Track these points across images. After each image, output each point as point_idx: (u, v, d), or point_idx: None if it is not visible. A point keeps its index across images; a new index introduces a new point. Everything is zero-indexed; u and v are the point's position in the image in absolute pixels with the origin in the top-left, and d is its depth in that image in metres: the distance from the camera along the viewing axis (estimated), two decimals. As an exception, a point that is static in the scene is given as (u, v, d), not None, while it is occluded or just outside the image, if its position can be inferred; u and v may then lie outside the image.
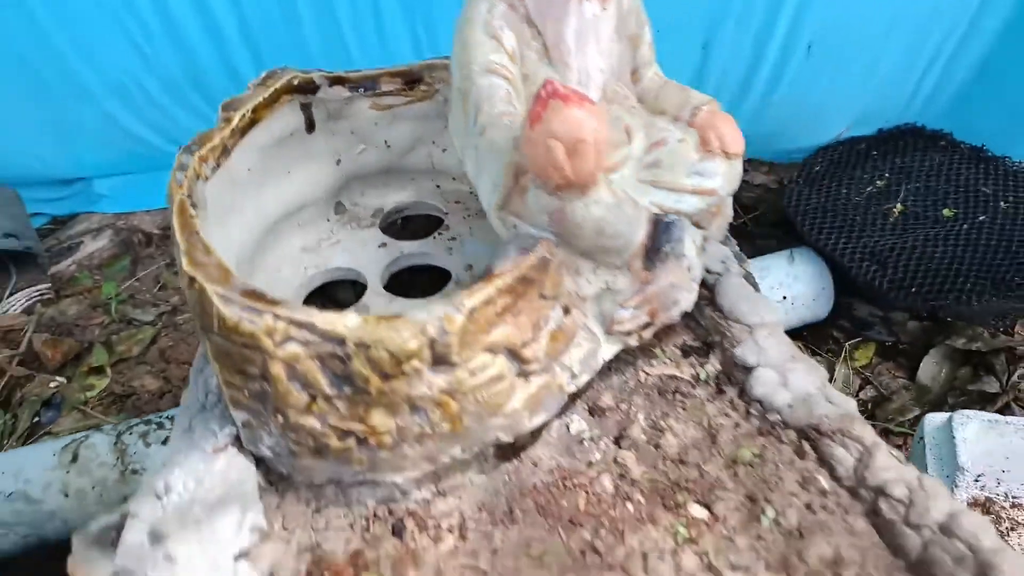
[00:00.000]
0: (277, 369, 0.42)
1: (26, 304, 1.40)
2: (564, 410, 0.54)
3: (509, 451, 0.52)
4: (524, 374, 0.47)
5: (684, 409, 0.53)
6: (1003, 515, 0.98)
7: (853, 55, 1.31)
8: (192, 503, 0.44)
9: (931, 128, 1.41)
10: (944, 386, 1.18)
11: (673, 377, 0.55)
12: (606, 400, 0.54)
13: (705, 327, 0.57)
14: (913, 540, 0.43)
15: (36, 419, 1.23)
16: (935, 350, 1.21)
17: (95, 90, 1.37)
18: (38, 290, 1.41)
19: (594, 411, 0.54)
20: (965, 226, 1.22)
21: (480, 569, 0.46)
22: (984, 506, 1.00)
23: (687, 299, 0.54)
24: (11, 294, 1.40)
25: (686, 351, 0.57)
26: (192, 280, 0.42)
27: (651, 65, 0.56)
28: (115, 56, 1.33)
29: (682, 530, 0.46)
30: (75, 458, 1.01)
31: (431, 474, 0.49)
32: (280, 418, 0.43)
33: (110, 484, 0.99)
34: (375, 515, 0.48)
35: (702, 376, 0.55)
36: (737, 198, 1.58)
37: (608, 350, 0.53)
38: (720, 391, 0.54)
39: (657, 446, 0.51)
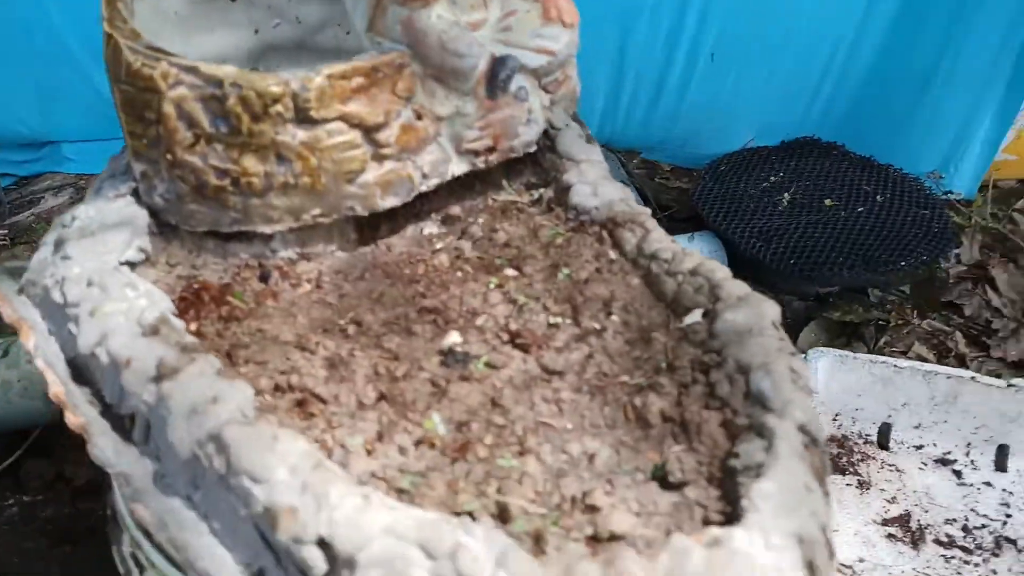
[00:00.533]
0: (168, 108, 0.53)
1: (-19, 247, 1.48)
2: (420, 219, 0.65)
3: (369, 238, 0.63)
4: (378, 157, 0.58)
5: (518, 219, 0.65)
6: (855, 449, 1.08)
7: (753, 65, 1.48)
8: (91, 223, 0.54)
9: (826, 140, 1.58)
10: (821, 352, 1.29)
11: (515, 202, 0.67)
12: (455, 212, 0.66)
13: (546, 168, 0.69)
14: (670, 284, 0.54)
15: (-25, 339, 1.30)
16: (814, 322, 1.33)
17: (79, 55, 1.49)
18: (-6, 235, 1.50)
19: (445, 220, 0.65)
20: (843, 214, 1.37)
21: (328, 302, 0.56)
22: (839, 442, 1.10)
23: (527, 133, 0.65)
24: (-33, 237, 1.48)
25: (529, 185, 0.69)
26: (110, 37, 0.54)
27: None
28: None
29: (495, 280, 0.57)
30: (6, 353, 1.09)
31: (297, 237, 0.59)
32: (169, 156, 0.54)
33: (35, 378, 1.06)
34: (247, 265, 0.58)
35: (536, 198, 0.66)
36: (656, 199, 1.72)
37: (458, 167, 0.64)
38: (550, 209, 0.65)
39: (490, 239, 0.62)
